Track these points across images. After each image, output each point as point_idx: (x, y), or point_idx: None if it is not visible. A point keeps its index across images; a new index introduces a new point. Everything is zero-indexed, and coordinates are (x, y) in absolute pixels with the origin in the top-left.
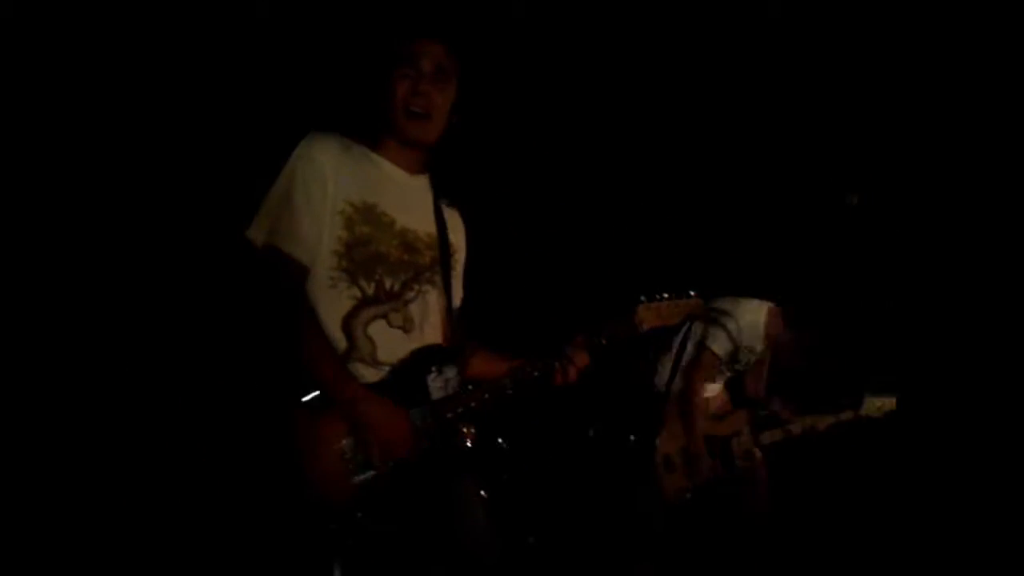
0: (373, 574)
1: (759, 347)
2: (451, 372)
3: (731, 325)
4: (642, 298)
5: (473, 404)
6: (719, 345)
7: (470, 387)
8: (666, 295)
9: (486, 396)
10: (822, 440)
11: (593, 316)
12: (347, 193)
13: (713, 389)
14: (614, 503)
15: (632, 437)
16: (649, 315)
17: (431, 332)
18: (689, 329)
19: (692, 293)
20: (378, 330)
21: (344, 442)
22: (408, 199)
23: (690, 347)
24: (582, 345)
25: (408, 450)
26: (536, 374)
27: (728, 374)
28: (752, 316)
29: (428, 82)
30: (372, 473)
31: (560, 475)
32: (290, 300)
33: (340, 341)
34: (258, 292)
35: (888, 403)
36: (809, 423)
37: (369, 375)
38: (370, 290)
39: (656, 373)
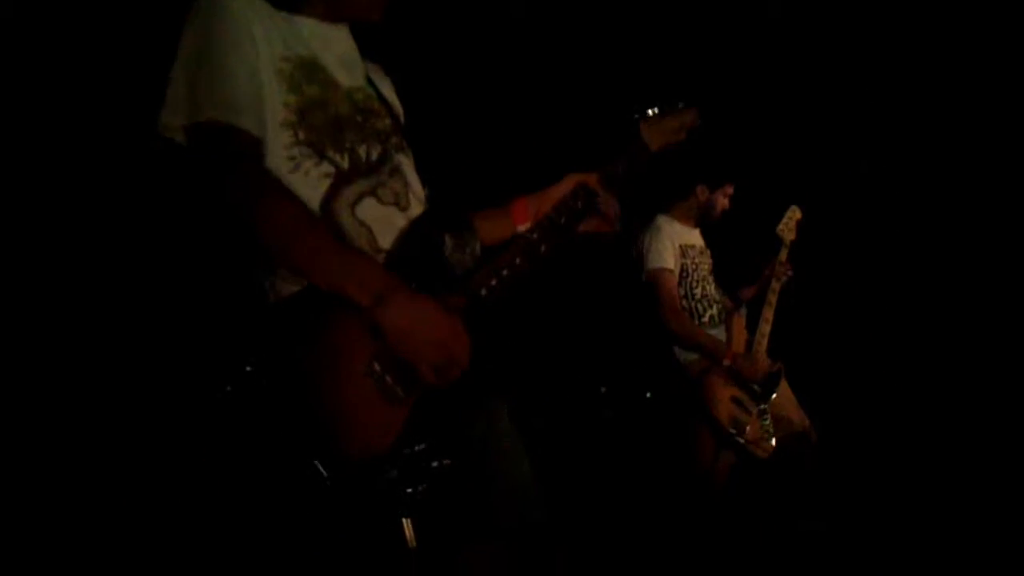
0: (448, 524)
1: (691, 239)
2: (468, 236)
3: (645, 241)
4: (636, 116)
5: (506, 272)
6: (655, 260)
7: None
8: (655, 109)
9: (517, 260)
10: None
11: (588, 150)
12: (279, 49)
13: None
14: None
15: (648, 394)
16: (653, 133)
17: (419, 205)
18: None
19: (681, 104)
20: (370, 210)
21: (371, 359)
22: (342, 54)
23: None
24: (599, 182)
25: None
26: (563, 220)
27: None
28: (652, 228)
29: None
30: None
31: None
32: (252, 185)
33: None
34: (202, 194)
35: (790, 217)
36: (771, 284)
37: None
38: (344, 162)
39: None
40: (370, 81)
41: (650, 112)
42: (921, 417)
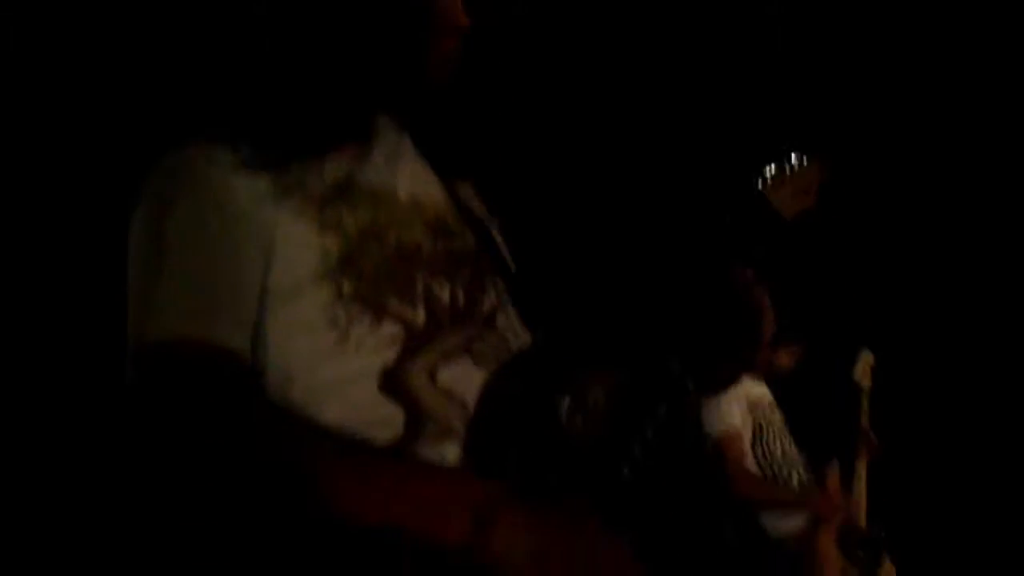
0: None
1: (759, 392)
2: (591, 386)
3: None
4: (758, 181)
5: (650, 434)
6: (720, 420)
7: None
8: (771, 167)
9: (662, 409)
10: None
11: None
12: (292, 184)
13: None
14: None
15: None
16: (783, 196)
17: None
18: None
19: (799, 157)
20: (461, 376)
21: None
22: (393, 151)
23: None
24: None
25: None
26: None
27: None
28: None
29: None
30: None
31: None
32: (248, 426)
33: (390, 423)
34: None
35: (864, 362)
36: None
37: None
38: (418, 316)
39: None
40: (441, 181)
41: (768, 172)
42: None
